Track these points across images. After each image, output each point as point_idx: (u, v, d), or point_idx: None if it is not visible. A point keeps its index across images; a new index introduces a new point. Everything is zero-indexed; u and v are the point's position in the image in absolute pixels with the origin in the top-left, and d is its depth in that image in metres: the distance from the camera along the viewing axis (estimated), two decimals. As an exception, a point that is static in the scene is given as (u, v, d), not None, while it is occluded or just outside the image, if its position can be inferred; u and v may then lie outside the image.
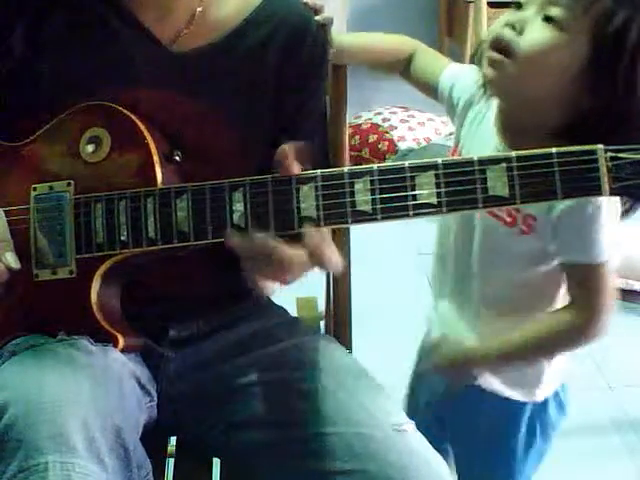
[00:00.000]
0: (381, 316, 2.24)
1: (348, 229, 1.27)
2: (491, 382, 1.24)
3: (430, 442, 1.03)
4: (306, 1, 1.18)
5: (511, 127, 1.10)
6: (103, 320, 1.00)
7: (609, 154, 0.84)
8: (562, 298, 1.17)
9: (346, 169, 0.89)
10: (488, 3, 2.39)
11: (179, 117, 1.08)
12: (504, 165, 0.85)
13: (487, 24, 2.33)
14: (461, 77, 1.21)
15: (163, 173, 0.99)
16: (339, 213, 0.89)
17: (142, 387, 1.09)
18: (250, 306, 1.23)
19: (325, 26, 1.18)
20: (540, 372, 1.25)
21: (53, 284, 1.01)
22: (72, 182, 1.01)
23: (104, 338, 1.01)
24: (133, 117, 1.01)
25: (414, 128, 3.12)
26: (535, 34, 1.01)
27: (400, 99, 2.97)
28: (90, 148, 1.01)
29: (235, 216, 0.93)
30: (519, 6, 1.04)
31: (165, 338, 1.16)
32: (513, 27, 1.03)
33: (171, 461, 1.19)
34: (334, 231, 0.98)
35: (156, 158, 0.99)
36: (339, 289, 1.35)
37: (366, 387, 1.07)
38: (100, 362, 0.98)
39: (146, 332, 1.12)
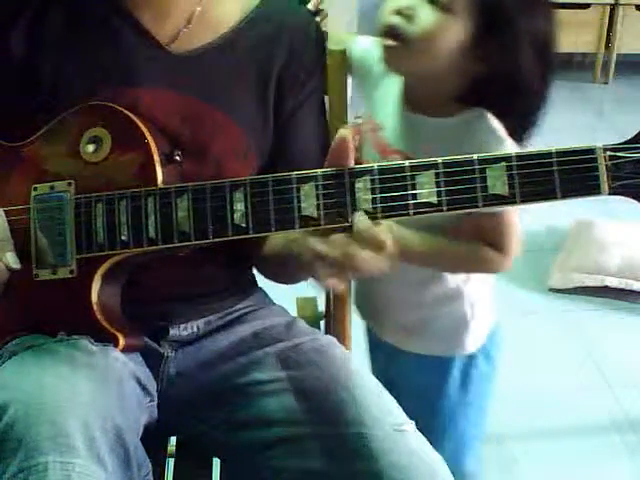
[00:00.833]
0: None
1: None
2: (415, 343, 1.33)
3: None
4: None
5: (412, 96, 1.20)
6: (103, 320, 1.00)
7: (608, 153, 0.84)
8: None
9: (346, 168, 0.89)
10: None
11: (179, 117, 1.08)
12: (504, 164, 0.85)
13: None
14: (371, 49, 1.26)
15: (164, 173, 0.99)
16: (339, 212, 0.89)
17: (142, 387, 1.09)
18: (250, 306, 1.23)
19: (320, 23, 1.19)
20: (465, 324, 1.30)
21: (53, 284, 1.01)
22: (73, 182, 1.01)
23: (104, 338, 1.01)
24: (133, 117, 1.01)
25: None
26: (424, 20, 1.10)
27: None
28: (91, 148, 1.01)
29: (236, 216, 0.93)
30: None
31: (165, 338, 1.16)
32: (401, 13, 1.11)
33: (171, 461, 1.19)
34: None
35: (156, 158, 0.99)
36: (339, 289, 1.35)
37: (366, 387, 1.07)
38: (100, 362, 0.98)
39: (146, 332, 1.12)
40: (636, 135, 0.84)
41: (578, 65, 4.64)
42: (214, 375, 1.15)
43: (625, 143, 0.84)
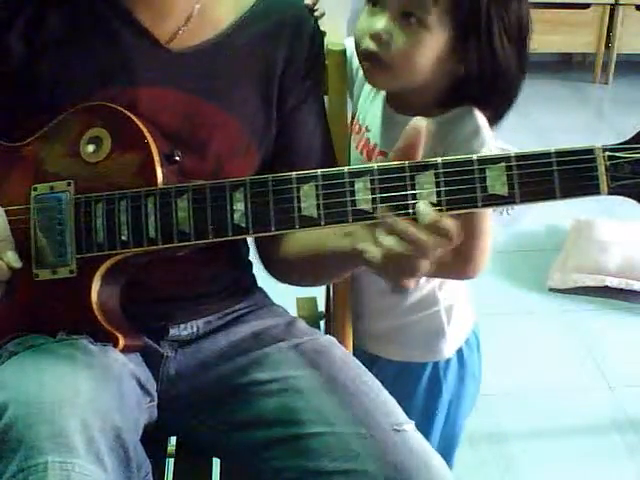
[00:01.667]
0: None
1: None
2: (391, 350, 1.34)
3: None
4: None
5: (396, 100, 1.22)
6: (103, 320, 1.00)
7: (607, 153, 0.84)
8: None
9: (346, 168, 0.89)
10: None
11: (179, 114, 1.08)
12: (503, 165, 0.85)
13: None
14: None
15: (163, 173, 0.98)
16: (339, 212, 0.89)
17: (142, 387, 1.08)
18: (250, 306, 1.23)
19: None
20: (441, 330, 1.31)
21: (53, 284, 1.01)
22: (72, 182, 1.01)
23: (104, 338, 1.01)
24: (133, 117, 1.00)
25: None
26: (401, 42, 1.12)
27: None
28: (90, 148, 1.01)
29: (236, 216, 0.93)
30: (374, 3, 1.14)
31: (165, 338, 1.16)
32: (378, 38, 1.12)
33: (171, 461, 1.19)
34: None
35: (156, 158, 0.99)
36: (339, 289, 1.35)
37: (366, 387, 1.07)
38: (100, 362, 0.98)
39: (146, 332, 1.12)
40: (635, 135, 0.84)
41: (578, 65, 4.64)
42: (214, 375, 1.14)
43: (624, 143, 0.84)
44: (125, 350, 1.03)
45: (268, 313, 1.23)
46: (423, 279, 1.27)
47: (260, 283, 1.29)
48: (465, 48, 1.12)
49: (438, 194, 0.86)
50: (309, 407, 1.04)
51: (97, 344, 1.00)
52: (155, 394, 1.13)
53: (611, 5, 4.23)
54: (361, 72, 1.26)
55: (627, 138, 0.84)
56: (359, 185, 0.88)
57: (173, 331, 1.16)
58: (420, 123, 0.87)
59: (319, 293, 1.51)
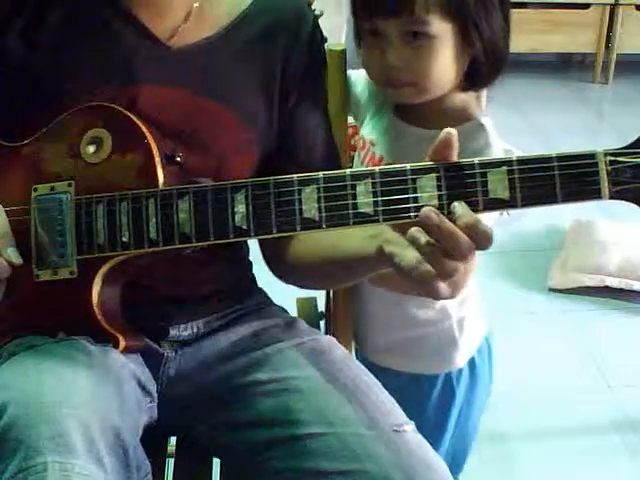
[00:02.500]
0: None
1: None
2: (402, 362, 1.33)
3: None
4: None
5: (409, 114, 1.21)
6: (103, 321, 1.00)
7: (609, 158, 0.84)
8: None
9: (348, 171, 0.89)
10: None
11: (180, 112, 1.08)
12: (505, 168, 0.85)
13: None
14: (359, 80, 1.30)
15: (164, 174, 0.98)
16: (341, 215, 0.89)
17: (142, 387, 1.09)
18: (250, 306, 1.23)
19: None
20: (454, 342, 1.30)
21: (54, 285, 1.01)
22: (73, 183, 1.00)
23: (104, 339, 1.01)
24: (134, 118, 1.00)
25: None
26: (419, 61, 1.12)
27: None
28: (91, 149, 1.01)
29: (237, 218, 0.93)
30: (374, 33, 1.14)
31: (165, 338, 1.16)
32: (395, 69, 1.13)
33: (171, 461, 1.19)
34: None
35: (157, 159, 0.98)
36: (339, 289, 1.35)
37: (366, 387, 1.07)
38: (100, 362, 0.98)
39: (146, 332, 1.12)
40: (637, 140, 0.84)
41: (578, 65, 4.64)
42: (214, 375, 1.15)
43: (626, 148, 0.84)
44: (125, 351, 1.03)
45: (268, 313, 1.23)
46: None
47: (260, 283, 1.29)
48: (471, 35, 1.12)
49: (440, 197, 0.86)
50: (309, 407, 1.04)
51: (97, 345, 1.00)
52: (155, 394, 1.13)
53: (611, 5, 4.22)
54: (366, 95, 1.28)
55: (628, 140, 0.84)
56: (360, 188, 0.88)
57: (173, 331, 1.16)
58: (451, 130, 0.86)
59: (319, 293, 1.51)
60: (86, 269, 0.99)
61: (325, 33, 1.21)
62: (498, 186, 0.85)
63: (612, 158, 0.84)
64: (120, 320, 1.04)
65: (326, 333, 1.38)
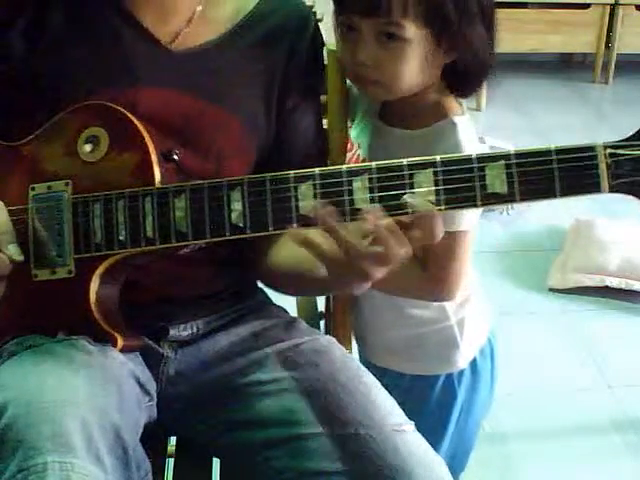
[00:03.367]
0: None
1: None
2: (403, 364, 1.33)
3: None
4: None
5: (389, 115, 1.22)
6: (102, 320, 1.00)
7: (608, 151, 0.83)
8: None
9: (344, 167, 0.89)
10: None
11: (180, 115, 1.08)
12: (503, 162, 0.85)
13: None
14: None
15: (161, 172, 0.98)
16: (337, 211, 0.89)
17: (142, 387, 1.09)
18: (250, 306, 1.23)
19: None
20: (454, 343, 1.30)
21: (52, 284, 1.01)
22: (70, 182, 1.00)
23: (103, 338, 1.01)
24: (131, 116, 1.00)
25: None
26: (388, 62, 1.11)
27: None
28: (88, 148, 1.01)
29: (233, 215, 0.92)
30: (350, 28, 1.13)
31: (165, 338, 1.16)
32: (364, 65, 1.12)
33: (171, 461, 1.19)
34: None
35: (154, 157, 0.98)
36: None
37: (365, 387, 1.07)
38: (99, 362, 0.98)
39: (146, 332, 1.12)
40: (636, 132, 0.83)
41: (578, 65, 4.64)
42: (214, 375, 1.14)
43: (625, 140, 0.84)
44: (124, 350, 1.03)
45: (268, 313, 1.23)
46: None
47: (260, 283, 1.29)
48: (448, 39, 1.11)
49: (437, 193, 0.86)
50: (309, 407, 1.04)
51: (96, 344, 1.00)
52: (155, 394, 1.13)
53: (611, 5, 4.22)
54: (355, 97, 1.28)
55: (628, 135, 0.84)
56: (357, 184, 0.88)
57: (173, 331, 1.16)
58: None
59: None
60: (84, 268, 0.99)
61: (324, 33, 1.22)
62: (496, 180, 0.85)
63: (611, 151, 0.83)
64: (118, 319, 1.04)
65: (326, 333, 1.38)
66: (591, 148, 0.84)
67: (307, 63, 1.16)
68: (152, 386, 1.13)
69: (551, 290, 2.61)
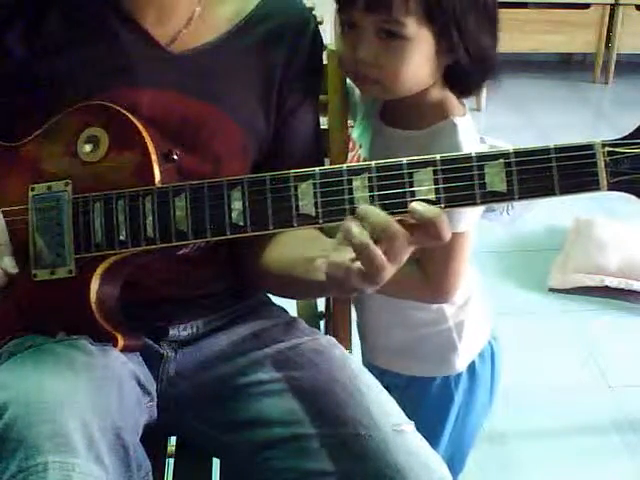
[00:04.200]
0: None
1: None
2: (402, 365, 1.34)
3: None
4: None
5: (390, 115, 1.22)
6: (102, 320, 1.00)
7: (607, 149, 0.83)
8: None
9: (344, 166, 0.89)
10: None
11: (179, 116, 1.08)
12: (502, 161, 0.85)
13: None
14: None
15: (161, 172, 0.98)
16: (338, 210, 0.89)
17: (142, 387, 1.09)
18: (250, 306, 1.23)
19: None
20: (452, 346, 1.30)
21: (52, 284, 1.01)
22: (70, 182, 1.01)
23: (103, 338, 1.01)
24: (131, 116, 1.00)
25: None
26: (389, 61, 1.11)
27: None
28: (88, 148, 1.01)
29: (233, 214, 0.93)
30: (351, 25, 1.13)
31: (165, 338, 1.16)
32: (364, 63, 1.12)
33: (171, 461, 1.19)
34: None
35: (154, 157, 0.98)
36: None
37: (365, 387, 1.07)
38: (100, 362, 0.98)
39: (146, 332, 1.12)
40: (635, 130, 0.84)
41: (578, 65, 4.64)
42: (214, 375, 1.14)
43: (624, 138, 0.84)
44: (124, 350, 1.03)
45: (268, 313, 1.23)
46: None
47: (260, 283, 1.29)
48: (450, 40, 1.11)
49: (437, 191, 0.86)
50: (309, 407, 1.04)
51: (96, 344, 1.00)
52: (155, 394, 1.13)
53: (611, 5, 4.22)
54: (357, 97, 1.29)
55: (627, 133, 0.84)
56: (357, 183, 0.88)
57: (173, 331, 1.16)
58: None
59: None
60: (84, 268, 1.00)
61: (324, 35, 1.22)
62: (495, 179, 0.85)
63: (610, 149, 0.83)
64: (119, 319, 1.04)
65: (326, 333, 1.38)
66: (590, 146, 0.84)
67: (307, 65, 1.16)
68: (152, 386, 1.13)
69: (551, 290, 2.61)
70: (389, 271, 0.85)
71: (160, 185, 0.97)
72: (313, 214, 0.89)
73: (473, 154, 0.86)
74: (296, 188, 0.90)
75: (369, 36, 1.10)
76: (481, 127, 3.23)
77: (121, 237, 0.97)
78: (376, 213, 0.84)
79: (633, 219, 2.65)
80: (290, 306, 1.33)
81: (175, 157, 1.02)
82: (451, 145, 1.13)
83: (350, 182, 0.88)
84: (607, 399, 2.15)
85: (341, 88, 1.30)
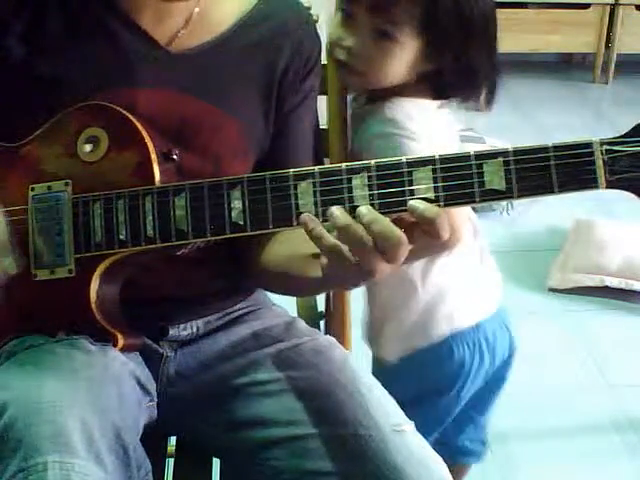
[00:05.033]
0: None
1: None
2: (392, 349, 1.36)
3: None
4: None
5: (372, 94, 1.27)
6: (102, 319, 1.00)
7: (605, 147, 0.83)
8: None
9: (343, 165, 0.89)
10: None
11: (178, 116, 1.08)
12: (501, 159, 0.85)
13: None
14: None
15: (161, 172, 0.98)
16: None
17: (142, 387, 1.09)
18: (250, 306, 1.23)
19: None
20: (429, 316, 1.33)
21: (52, 284, 1.01)
22: (70, 182, 1.01)
23: (103, 338, 1.01)
24: (130, 116, 1.00)
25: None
26: (374, 56, 1.17)
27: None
28: (88, 148, 1.01)
29: (233, 214, 0.92)
30: (349, 15, 1.18)
31: (165, 338, 1.16)
32: (350, 51, 1.18)
33: (171, 461, 1.19)
34: None
35: (154, 157, 0.98)
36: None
37: (365, 387, 1.07)
38: (99, 362, 0.98)
39: (146, 332, 1.12)
40: (633, 129, 0.84)
41: (578, 65, 4.64)
42: (214, 375, 1.15)
43: (622, 137, 0.84)
44: (124, 349, 1.03)
45: (268, 313, 1.23)
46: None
47: (260, 283, 1.29)
48: (436, 51, 1.17)
49: (436, 190, 0.86)
50: (309, 407, 1.04)
51: (96, 344, 1.00)
52: (155, 394, 1.13)
53: (611, 5, 4.22)
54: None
55: (625, 131, 0.84)
56: (356, 182, 0.88)
57: (173, 331, 1.16)
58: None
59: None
60: (84, 268, 0.99)
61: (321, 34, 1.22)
62: (494, 177, 0.85)
63: (608, 147, 0.83)
64: (119, 319, 1.04)
65: (326, 333, 1.38)
66: (588, 144, 0.84)
67: (306, 64, 1.16)
68: (152, 386, 1.13)
69: (551, 290, 2.61)
70: (387, 270, 0.86)
71: (160, 185, 0.97)
72: (313, 213, 0.89)
73: (472, 152, 0.86)
74: (296, 187, 0.90)
75: (364, 32, 1.16)
76: (481, 127, 3.23)
77: (121, 237, 0.97)
78: (377, 220, 0.85)
79: (633, 219, 2.65)
80: (290, 306, 1.33)
81: (175, 157, 1.02)
82: (380, 115, 1.18)
83: (349, 181, 0.88)
84: (607, 399, 2.15)
85: (341, 88, 1.30)
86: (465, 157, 0.86)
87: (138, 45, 1.08)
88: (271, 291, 1.24)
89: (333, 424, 1.02)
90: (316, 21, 1.23)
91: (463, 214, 1.20)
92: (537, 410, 2.09)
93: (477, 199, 0.86)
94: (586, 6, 4.23)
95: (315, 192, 0.89)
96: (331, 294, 1.42)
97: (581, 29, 4.26)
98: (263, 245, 1.11)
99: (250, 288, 1.26)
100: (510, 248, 2.79)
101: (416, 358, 1.36)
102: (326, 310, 1.47)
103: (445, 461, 1.01)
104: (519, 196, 0.85)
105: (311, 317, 1.45)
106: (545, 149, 0.84)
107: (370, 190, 0.88)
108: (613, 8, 4.23)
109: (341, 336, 1.34)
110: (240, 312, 1.22)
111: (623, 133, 0.84)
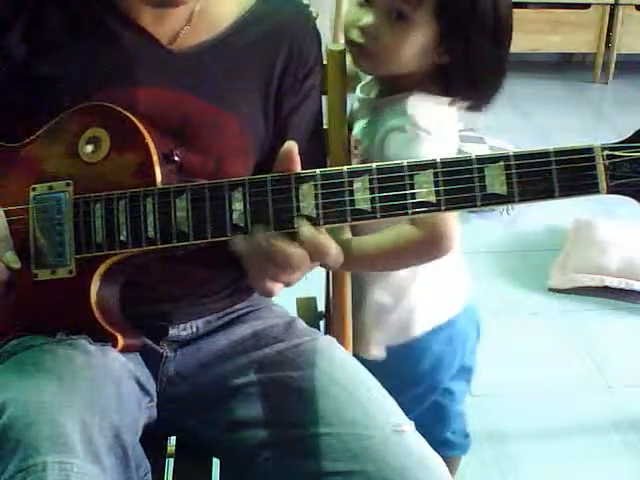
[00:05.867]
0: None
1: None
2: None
3: None
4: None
5: (383, 81, 1.28)
6: (102, 320, 1.00)
7: (606, 152, 0.83)
8: None
9: (345, 168, 0.89)
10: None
11: (179, 115, 1.08)
12: (502, 164, 0.85)
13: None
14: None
15: (162, 173, 0.98)
16: (338, 212, 0.89)
17: (141, 387, 1.09)
18: (250, 306, 1.23)
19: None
20: (409, 314, 1.34)
21: (52, 284, 1.01)
22: (71, 182, 1.01)
23: (103, 338, 1.01)
24: (132, 117, 1.00)
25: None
26: (388, 37, 1.18)
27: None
28: (89, 148, 1.01)
29: (234, 215, 0.93)
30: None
31: (165, 338, 1.16)
32: (366, 31, 1.19)
33: (170, 461, 1.19)
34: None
35: (155, 158, 0.98)
36: (339, 289, 1.35)
37: (365, 387, 1.07)
38: (99, 362, 0.98)
39: (146, 332, 1.12)
40: (634, 134, 0.84)
41: (578, 65, 4.64)
42: (213, 375, 1.15)
43: (623, 142, 0.84)
44: (124, 350, 1.03)
45: (268, 313, 1.23)
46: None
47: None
48: (450, 41, 1.17)
49: (437, 193, 0.86)
50: (308, 407, 1.04)
51: (96, 344, 1.00)
52: (155, 394, 1.13)
53: (611, 5, 4.22)
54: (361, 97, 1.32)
55: (626, 137, 0.84)
56: (358, 185, 0.88)
57: (173, 331, 1.16)
58: (291, 144, 0.91)
59: (319, 293, 1.51)
60: (84, 268, 0.99)
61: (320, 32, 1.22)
62: (495, 181, 0.86)
63: (609, 152, 0.83)
64: (119, 319, 1.04)
65: (326, 333, 1.38)
66: (589, 150, 0.84)
67: (306, 62, 1.16)
68: (152, 386, 1.13)
69: (551, 290, 2.60)
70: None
71: (161, 185, 0.97)
72: (314, 216, 0.89)
73: (473, 157, 0.86)
74: (297, 189, 0.90)
75: (380, 12, 1.17)
76: (481, 127, 3.23)
77: (122, 237, 0.97)
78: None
79: (633, 220, 2.65)
80: (290, 306, 1.33)
81: (176, 158, 1.02)
82: (400, 109, 1.19)
83: (351, 184, 0.88)
84: (607, 399, 2.14)
85: (341, 88, 1.30)
86: (466, 161, 0.86)
87: (139, 44, 1.08)
88: None
89: (333, 424, 1.02)
90: (315, 18, 1.23)
91: (455, 221, 1.19)
92: (537, 410, 2.09)
93: (478, 203, 0.86)
94: (586, 6, 4.23)
95: (317, 195, 0.89)
96: (331, 294, 1.42)
97: (581, 29, 4.26)
98: None
99: (250, 288, 1.26)
100: (510, 248, 2.79)
101: (393, 353, 1.37)
102: (326, 310, 1.47)
103: None
104: (520, 201, 0.85)
105: (311, 317, 1.45)
106: (546, 154, 0.85)
107: (371, 193, 0.88)
108: (613, 8, 4.23)
109: (341, 336, 1.34)
110: (240, 312, 1.22)
111: (624, 138, 0.84)
